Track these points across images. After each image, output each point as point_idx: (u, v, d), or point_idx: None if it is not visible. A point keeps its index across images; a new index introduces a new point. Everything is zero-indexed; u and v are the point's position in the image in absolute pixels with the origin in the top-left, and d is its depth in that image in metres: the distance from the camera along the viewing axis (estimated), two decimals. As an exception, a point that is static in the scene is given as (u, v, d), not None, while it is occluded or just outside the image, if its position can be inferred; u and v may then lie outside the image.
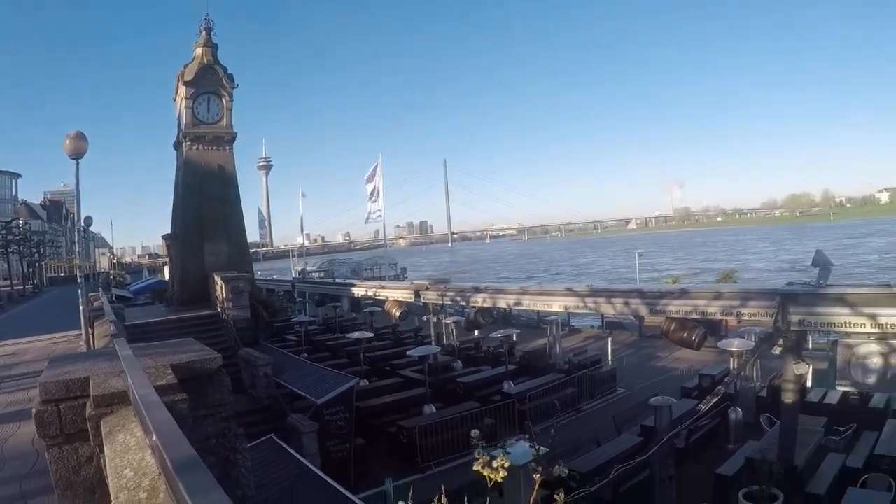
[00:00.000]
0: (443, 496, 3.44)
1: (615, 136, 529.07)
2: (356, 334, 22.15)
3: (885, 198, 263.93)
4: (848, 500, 10.25)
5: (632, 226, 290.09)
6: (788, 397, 11.57)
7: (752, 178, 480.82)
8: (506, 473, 3.39)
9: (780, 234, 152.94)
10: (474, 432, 3.84)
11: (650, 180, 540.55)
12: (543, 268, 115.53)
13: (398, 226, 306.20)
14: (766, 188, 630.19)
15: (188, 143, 29.36)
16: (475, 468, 3.40)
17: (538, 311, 29.13)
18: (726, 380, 11.52)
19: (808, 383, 17.01)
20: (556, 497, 3.48)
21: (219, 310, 24.71)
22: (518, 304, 19.72)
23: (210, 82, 29.69)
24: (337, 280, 45.72)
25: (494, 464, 3.38)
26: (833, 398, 15.55)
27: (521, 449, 9.07)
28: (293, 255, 75.73)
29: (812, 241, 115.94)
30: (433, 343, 23.49)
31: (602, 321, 28.26)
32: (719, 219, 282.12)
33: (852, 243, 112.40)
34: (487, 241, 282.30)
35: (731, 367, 15.24)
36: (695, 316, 12.42)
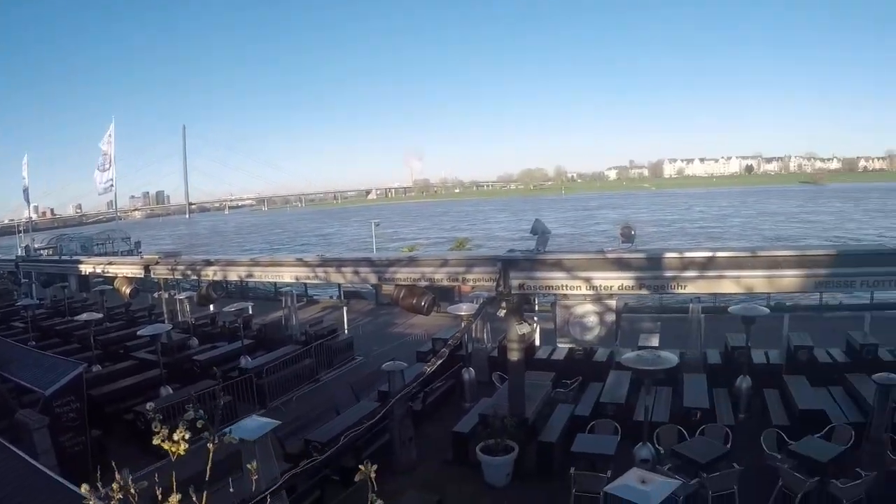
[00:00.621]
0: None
1: (358, 108, 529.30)
2: (84, 316, 19.85)
3: (612, 175, 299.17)
4: (577, 444, 11.23)
5: (372, 196, 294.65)
6: (514, 355, 12.19)
7: (489, 154, 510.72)
8: (187, 446, 3.09)
9: (520, 205, 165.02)
10: (149, 405, 3.61)
11: (390, 152, 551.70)
12: (289, 238, 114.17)
13: (133, 196, 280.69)
14: (503, 163, 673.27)
15: None
16: (155, 442, 3.12)
17: (275, 283, 28.47)
18: (450, 342, 11.79)
19: (537, 342, 18.28)
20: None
21: None
22: (250, 276, 18.73)
23: None
24: (64, 257, 40.89)
25: (175, 436, 3.08)
26: (560, 354, 16.81)
27: (256, 424, 8.62)
28: (19, 231, 66.24)
29: (551, 212, 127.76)
30: (166, 321, 21.80)
31: (339, 291, 28.13)
32: (457, 190, 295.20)
33: (588, 214, 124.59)
34: (226, 212, 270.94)
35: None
36: (423, 282, 12.55)
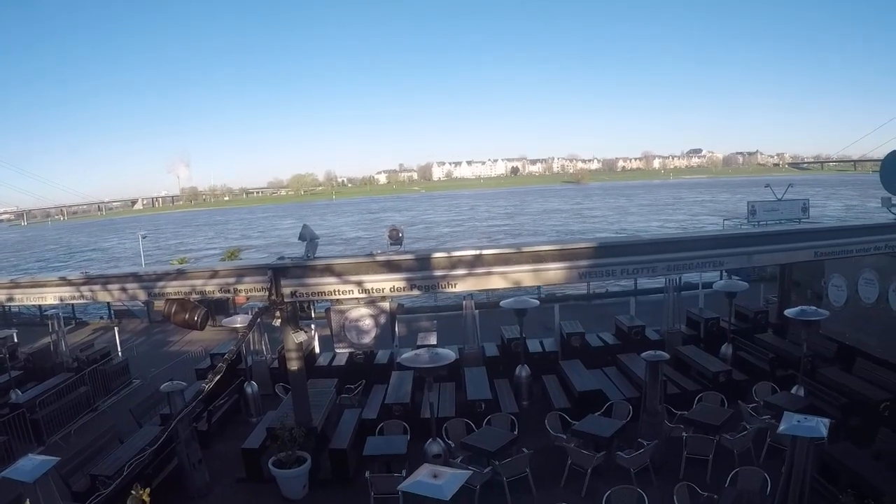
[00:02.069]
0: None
1: (119, 112, 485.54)
2: None
3: (383, 178, 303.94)
4: (369, 447, 11.42)
5: (138, 206, 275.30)
6: (294, 365, 11.85)
7: (258, 159, 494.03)
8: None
9: (303, 211, 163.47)
10: None
11: (155, 160, 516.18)
12: (67, 254, 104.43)
13: None
14: (273, 169, 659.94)
15: None
16: None
17: (39, 306, 25.69)
18: (226, 356, 11.29)
19: (317, 349, 18.02)
20: None
21: None
22: (10, 299, 16.63)
23: None
24: None
25: None
26: (341, 360, 16.84)
27: (33, 463, 7.69)
28: None
29: (340, 217, 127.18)
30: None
31: (109, 310, 26.08)
32: (227, 198, 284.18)
33: (375, 218, 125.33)
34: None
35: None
36: (195, 296, 11.87)
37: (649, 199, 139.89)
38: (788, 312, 13.09)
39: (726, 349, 16.06)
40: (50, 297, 14.75)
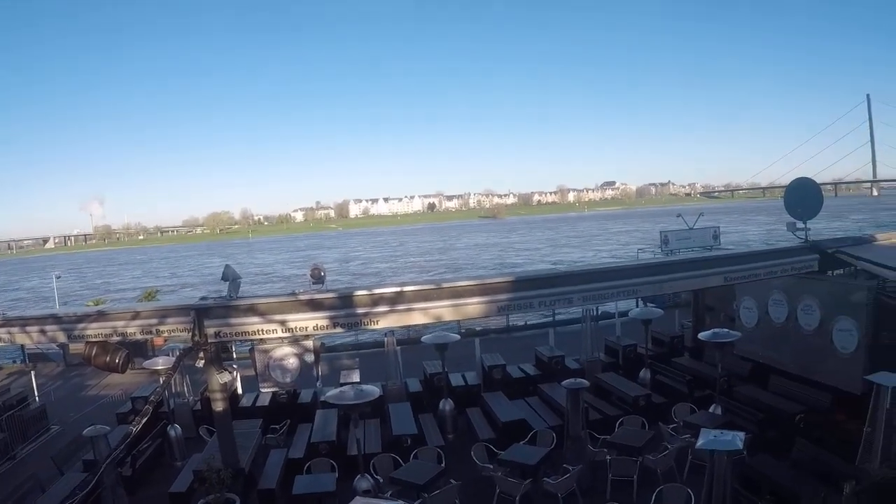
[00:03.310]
0: None
1: (26, 147, 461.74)
2: None
3: (299, 216, 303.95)
4: (297, 486, 11.49)
5: (50, 244, 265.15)
6: (219, 406, 11.80)
7: (172, 198, 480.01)
8: None
9: (229, 250, 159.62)
10: None
11: (66, 197, 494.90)
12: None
13: None
14: (188, 207, 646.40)
15: None
16: None
17: (-50, 350, 24.72)
18: (152, 398, 11.22)
19: (240, 390, 17.92)
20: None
21: None
22: (-82, 342, 16.04)
23: None
24: None
25: None
26: (265, 400, 16.75)
27: None
28: None
29: (269, 255, 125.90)
30: None
31: (23, 353, 25.19)
32: (141, 237, 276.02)
33: (306, 255, 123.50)
34: None
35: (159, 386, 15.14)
36: (116, 338, 11.79)
37: (575, 231, 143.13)
38: (702, 335, 13.93)
39: (645, 374, 16.85)
40: (-38, 339, 14.27)
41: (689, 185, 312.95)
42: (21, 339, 13.27)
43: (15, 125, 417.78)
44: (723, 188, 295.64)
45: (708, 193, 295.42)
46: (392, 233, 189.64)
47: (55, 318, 12.50)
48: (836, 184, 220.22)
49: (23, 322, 12.83)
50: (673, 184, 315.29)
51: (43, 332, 12.66)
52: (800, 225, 14.79)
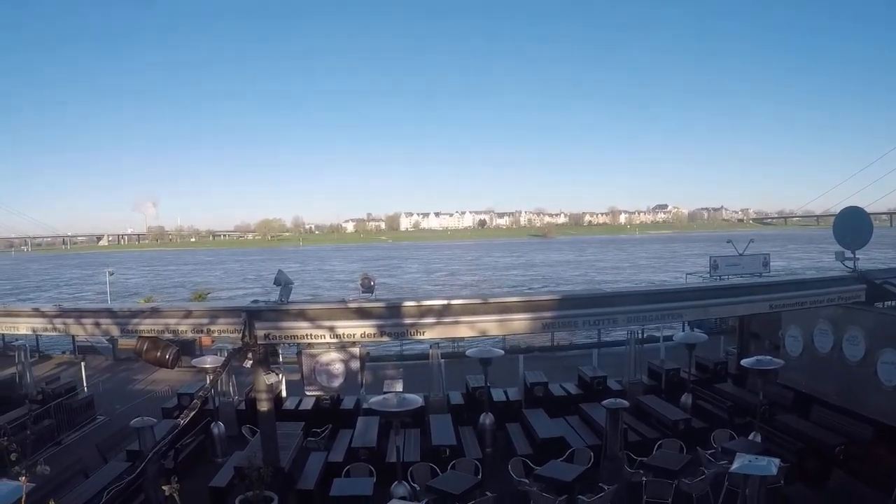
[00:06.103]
0: None
1: (87, 149, 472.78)
2: None
3: (350, 227, 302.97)
4: (335, 489, 11.61)
5: (104, 242, 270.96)
6: (264, 406, 12.03)
7: (226, 202, 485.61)
8: None
9: (301, 256, 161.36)
10: None
11: (123, 197, 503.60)
12: (35, 285, 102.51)
13: None
14: (240, 212, 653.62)
15: None
16: None
17: (4, 335, 25.55)
18: (199, 394, 11.48)
19: (284, 393, 18.14)
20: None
21: None
22: (-18, 326, 16.61)
23: None
24: None
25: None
26: (308, 404, 16.97)
27: (7, 488, 7.71)
28: None
29: (338, 262, 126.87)
30: None
31: (73, 345, 25.87)
32: (193, 239, 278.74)
33: (392, 263, 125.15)
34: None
35: (207, 383, 15.42)
36: (167, 335, 12.09)
37: (648, 252, 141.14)
38: (745, 362, 13.71)
39: (686, 398, 16.60)
40: (23, 326, 14.71)
41: (742, 210, 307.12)
42: (76, 329, 13.70)
43: (69, 120, 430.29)
44: (776, 215, 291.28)
45: (761, 220, 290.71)
46: (454, 247, 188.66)
47: (109, 312, 12.88)
48: (891, 214, 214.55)
49: (78, 314, 13.22)
50: (725, 209, 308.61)
51: (98, 324, 13.05)
52: (849, 254, 14.50)
